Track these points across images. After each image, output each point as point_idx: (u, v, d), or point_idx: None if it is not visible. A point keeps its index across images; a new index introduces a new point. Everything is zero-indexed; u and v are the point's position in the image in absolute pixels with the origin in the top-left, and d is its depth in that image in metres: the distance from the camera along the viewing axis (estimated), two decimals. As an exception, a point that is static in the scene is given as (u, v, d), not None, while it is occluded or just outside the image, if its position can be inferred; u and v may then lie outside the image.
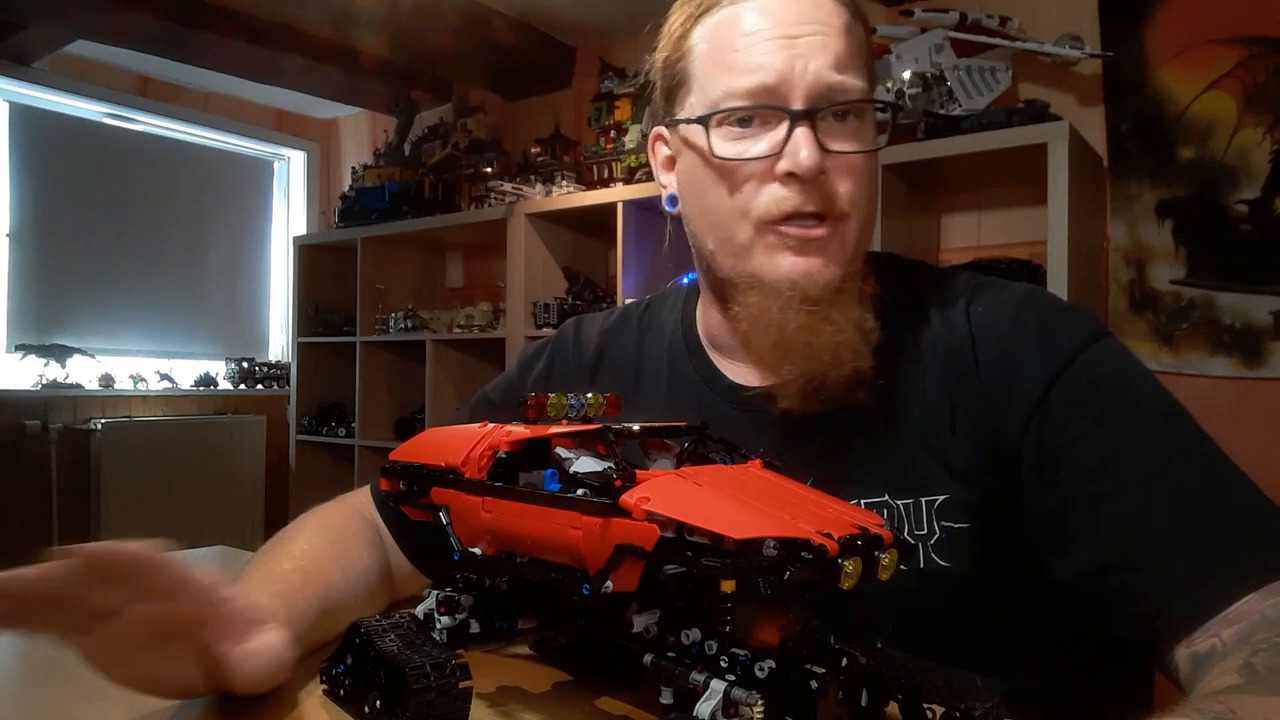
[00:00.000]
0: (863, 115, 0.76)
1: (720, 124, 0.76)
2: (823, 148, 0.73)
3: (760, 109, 0.74)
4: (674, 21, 0.82)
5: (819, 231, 0.75)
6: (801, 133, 0.73)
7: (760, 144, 0.75)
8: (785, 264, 0.75)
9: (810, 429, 0.79)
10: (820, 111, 0.73)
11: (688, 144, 0.80)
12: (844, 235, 0.76)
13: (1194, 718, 0.48)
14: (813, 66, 0.73)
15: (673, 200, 0.86)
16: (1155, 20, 2.22)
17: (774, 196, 0.75)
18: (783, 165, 0.73)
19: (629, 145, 2.91)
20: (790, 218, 0.75)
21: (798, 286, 0.75)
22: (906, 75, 2.21)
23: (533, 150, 3.25)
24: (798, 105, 0.73)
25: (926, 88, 2.19)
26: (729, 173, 0.77)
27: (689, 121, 0.79)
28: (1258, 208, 2.10)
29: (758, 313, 0.77)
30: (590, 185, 3.01)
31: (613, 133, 3.00)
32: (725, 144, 0.76)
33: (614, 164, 2.95)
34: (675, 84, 0.82)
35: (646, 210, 2.72)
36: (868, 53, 0.78)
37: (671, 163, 0.86)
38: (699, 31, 0.79)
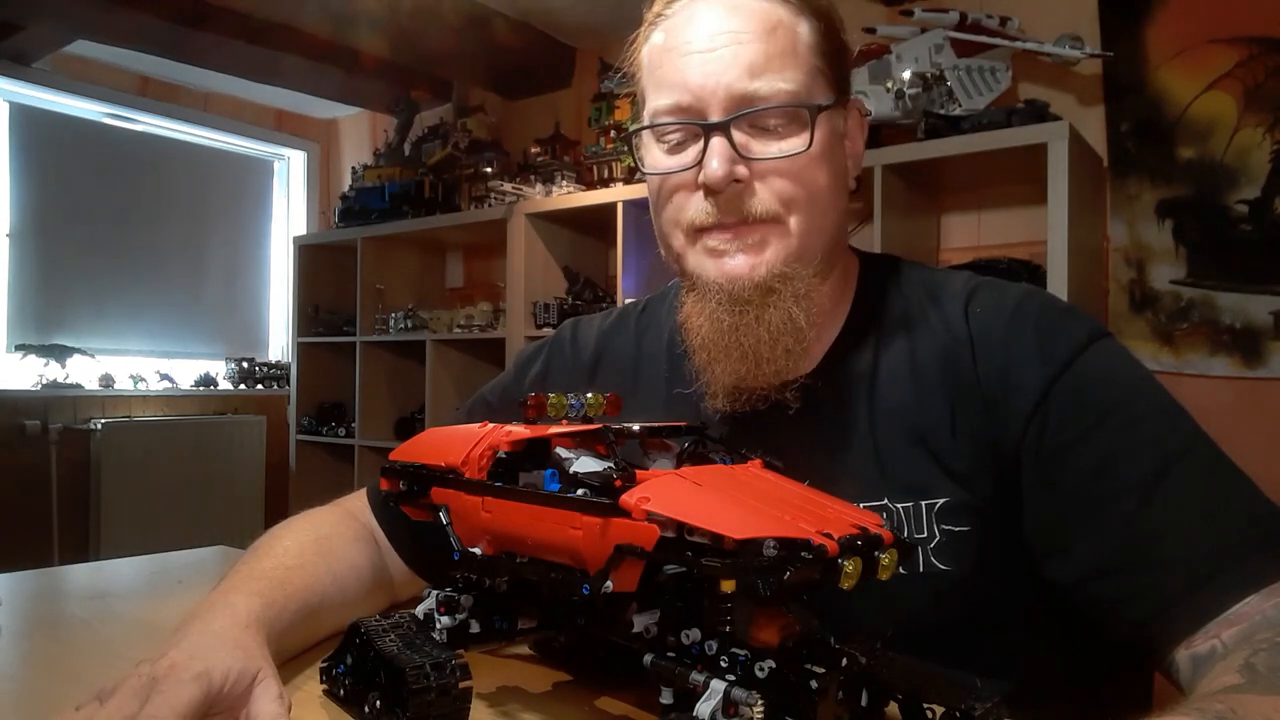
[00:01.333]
0: (794, 116, 0.76)
1: (659, 138, 0.80)
2: (746, 155, 0.75)
3: (680, 125, 0.77)
4: (639, 32, 0.84)
5: (735, 236, 0.76)
6: (715, 144, 0.74)
7: (687, 156, 0.77)
8: (712, 269, 0.78)
9: (808, 431, 0.79)
10: (734, 121, 0.74)
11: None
12: (782, 235, 0.77)
13: (1195, 717, 0.48)
14: (726, 80, 0.74)
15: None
16: (1155, 20, 2.22)
17: (697, 208, 0.77)
18: (701, 177, 0.75)
19: (629, 145, 2.91)
20: (712, 229, 0.77)
21: (724, 290, 0.76)
22: (906, 75, 2.21)
23: (533, 150, 3.25)
24: (714, 117, 0.75)
25: (926, 88, 2.19)
26: (662, 186, 0.80)
27: (627, 137, 0.82)
28: (1258, 208, 2.10)
29: (695, 311, 0.79)
30: (590, 185, 3.01)
31: (613, 133, 3.00)
32: (662, 157, 0.79)
33: (614, 164, 2.95)
34: (637, 98, 0.85)
35: (646, 210, 2.71)
36: (810, 49, 0.77)
37: None
38: (646, 47, 0.82)
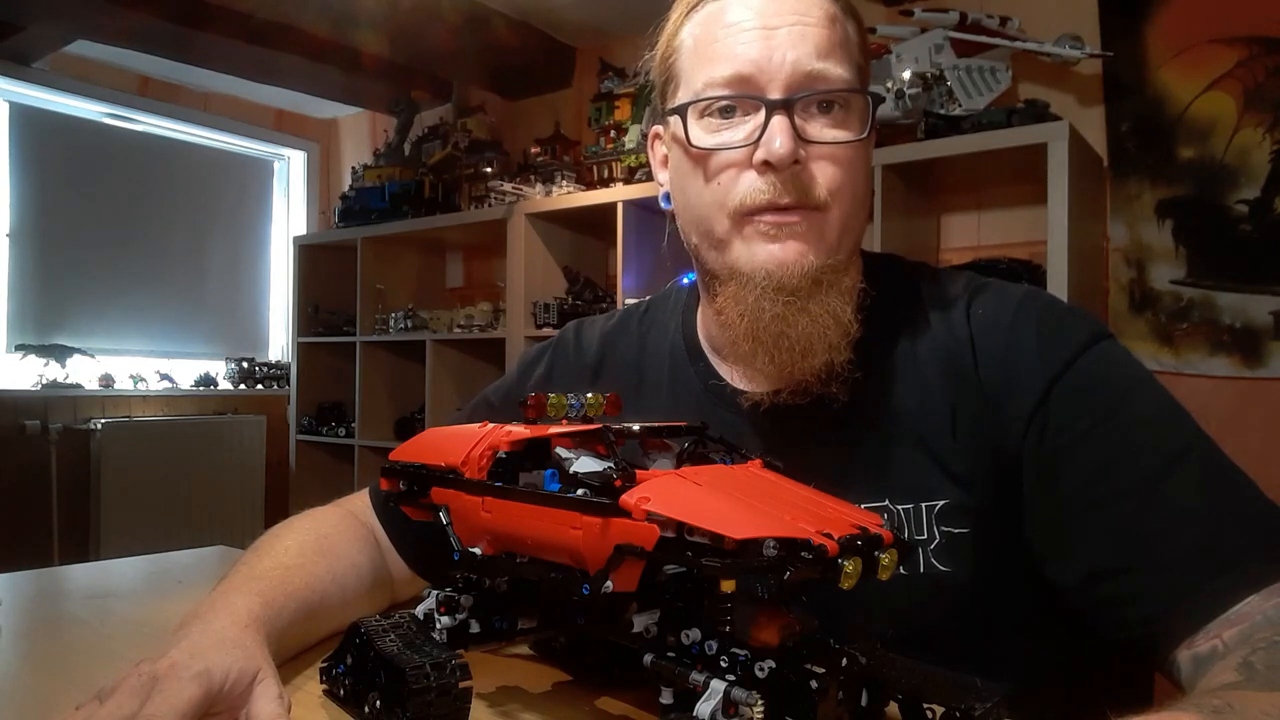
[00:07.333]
0: (848, 105, 0.76)
1: (702, 115, 0.77)
2: (801, 137, 0.73)
3: (738, 98, 0.75)
4: (670, 19, 0.83)
5: (794, 219, 0.75)
6: (777, 121, 0.73)
7: (738, 134, 0.75)
8: (762, 253, 0.75)
9: (810, 434, 0.79)
10: (799, 101, 0.73)
11: (675, 138, 0.81)
12: (824, 225, 0.76)
13: (1192, 713, 0.48)
14: (791, 55, 0.73)
15: (667, 197, 0.86)
16: (1155, 20, 2.22)
17: (750, 187, 0.75)
18: (758, 154, 0.73)
19: (629, 145, 2.91)
20: (765, 209, 0.75)
21: (773, 276, 0.74)
22: (906, 75, 2.21)
23: (533, 150, 3.25)
24: (775, 94, 0.73)
25: (926, 88, 2.19)
26: (708, 163, 0.77)
27: (670, 112, 0.80)
28: (1258, 208, 2.10)
29: (734, 301, 0.77)
30: (590, 185, 3.01)
31: (613, 133, 3.00)
32: (705, 135, 0.77)
33: (614, 164, 2.95)
34: (667, 80, 0.83)
35: (646, 210, 2.72)
36: (856, 47, 0.78)
37: (667, 160, 0.86)
38: (687, 27, 0.80)
